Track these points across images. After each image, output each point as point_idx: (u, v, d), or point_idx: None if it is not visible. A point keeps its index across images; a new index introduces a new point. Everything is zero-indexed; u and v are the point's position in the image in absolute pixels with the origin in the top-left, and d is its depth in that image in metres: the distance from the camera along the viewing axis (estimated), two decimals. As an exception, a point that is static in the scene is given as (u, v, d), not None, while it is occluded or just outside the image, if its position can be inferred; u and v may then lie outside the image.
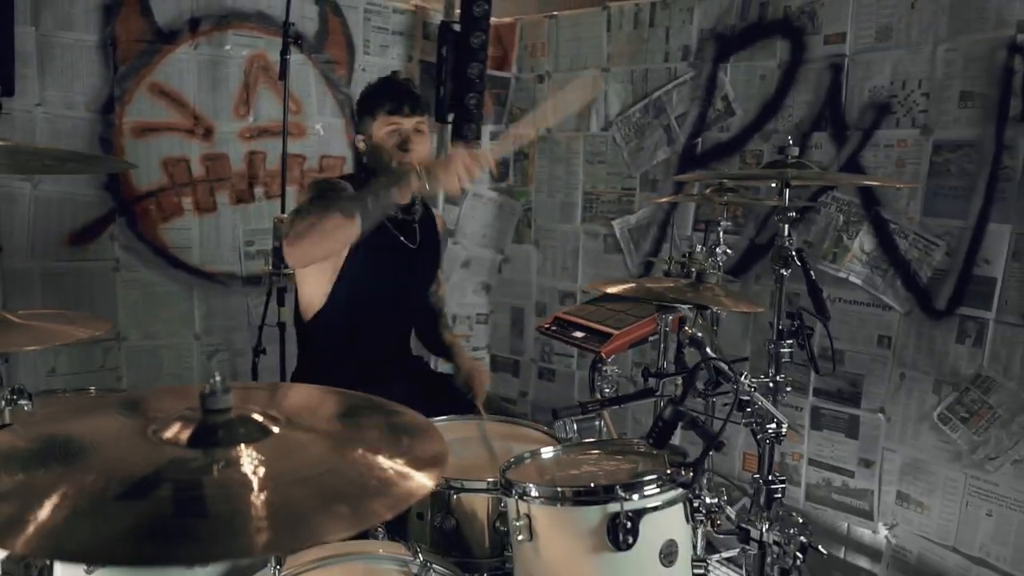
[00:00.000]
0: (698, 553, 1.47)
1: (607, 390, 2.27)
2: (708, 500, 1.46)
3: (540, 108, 1.75)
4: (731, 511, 1.68)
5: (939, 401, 2.53)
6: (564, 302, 3.64)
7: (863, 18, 2.70)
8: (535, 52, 3.71)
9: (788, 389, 1.75)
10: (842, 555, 2.81)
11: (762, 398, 1.51)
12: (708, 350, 1.48)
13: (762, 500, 1.56)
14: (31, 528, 0.77)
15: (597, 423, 2.12)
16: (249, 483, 0.84)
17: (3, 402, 1.25)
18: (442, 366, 3.77)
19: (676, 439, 1.67)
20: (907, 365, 2.61)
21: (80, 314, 1.46)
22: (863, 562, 2.76)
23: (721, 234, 2.26)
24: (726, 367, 1.44)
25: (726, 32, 3.07)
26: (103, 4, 2.90)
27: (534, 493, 1.40)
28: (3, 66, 2.66)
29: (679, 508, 1.39)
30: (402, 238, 2.19)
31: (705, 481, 1.54)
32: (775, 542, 1.43)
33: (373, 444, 0.99)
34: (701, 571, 1.42)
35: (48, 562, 1.06)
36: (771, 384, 1.71)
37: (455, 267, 3.82)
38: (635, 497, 1.34)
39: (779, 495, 1.57)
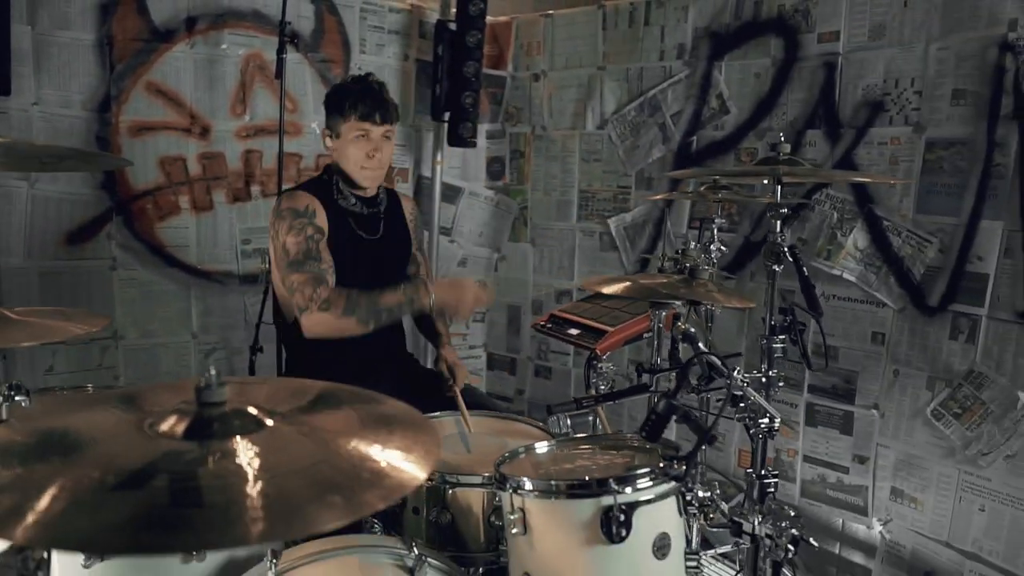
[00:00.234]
0: (692, 547, 1.49)
1: (602, 387, 2.28)
2: (701, 493, 1.47)
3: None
4: (725, 506, 1.69)
5: (932, 397, 2.54)
6: (560, 300, 3.66)
7: (856, 17, 2.71)
8: (531, 51, 3.72)
9: (781, 384, 1.76)
10: (837, 550, 2.83)
11: (755, 393, 1.53)
12: (701, 345, 1.49)
13: (755, 494, 1.58)
14: (30, 519, 0.78)
15: (591, 419, 2.13)
16: (244, 474, 0.85)
17: (1, 398, 1.26)
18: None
19: (672, 434, 1.69)
20: (901, 361, 2.63)
21: (77, 310, 1.47)
22: (857, 557, 2.78)
23: (715, 231, 2.27)
24: (719, 362, 1.45)
25: (720, 30, 3.09)
26: (99, 3, 2.91)
27: (528, 487, 1.41)
28: (0, 65, 2.66)
29: (672, 501, 1.41)
30: (362, 233, 2.27)
31: (698, 475, 1.55)
32: (767, 535, 1.44)
33: (362, 435, 1.00)
34: (694, 564, 1.43)
35: (45, 555, 1.07)
36: (764, 379, 1.73)
37: (452, 265, 3.83)
38: (628, 490, 1.36)
39: (772, 489, 1.58)
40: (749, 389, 1.53)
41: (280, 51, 2.95)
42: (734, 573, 2.42)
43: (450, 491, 1.63)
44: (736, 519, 1.50)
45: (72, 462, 0.90)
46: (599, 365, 2.30)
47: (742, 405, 1.57)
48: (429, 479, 1.58)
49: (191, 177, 3.15)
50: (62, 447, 0.95)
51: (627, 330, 2.45)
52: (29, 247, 2.88)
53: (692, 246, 2.03)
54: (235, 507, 0.80)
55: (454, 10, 3.42)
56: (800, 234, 2.85)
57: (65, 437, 0.97)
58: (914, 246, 2.59)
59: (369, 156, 2.21)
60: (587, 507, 1.36)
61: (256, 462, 0.88)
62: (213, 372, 0.95)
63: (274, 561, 1.33)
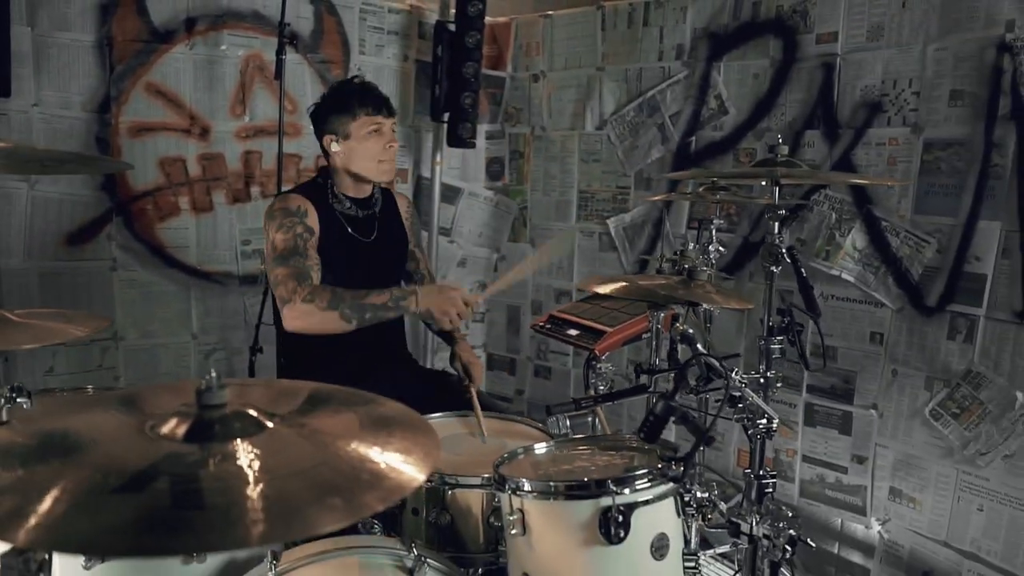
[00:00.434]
0: (691, 547, 1.50)
1: (601, 387, 2.29)
2: (699, 494, 1.48)
3: (526, 260, 2.10)
4: (723, 506, 1.70)
5: (931, 397, 2.55)
6: (560, 300, 3.66)
7: (854, 17, 2.72)
8: (530, 51, 3.72)
9: (779, 384, 1.76)
10: (835, 550, 2.83)
11: (753, 394, 1.53)
12: (699, 346, 1.50)
13: (753, 495, 1.58)
14: (31, 521, 0.79)
15: (590, 419, 2.13)
16: (245, 476, 0.86)
17: (2, 400, 1.27)
18: (437, 363, 3.80)
19: (671, 435, 1.69)
20: (899, 362, 2.64)
21: (78, 312, 1.48)
22: (856, 557, 2.78)
23: (714, 232, 2.28)
24: (717, 363, 1.45)
25: (719, 31, 3.09)
26: (99, 4, 2.92)
27: (527, 488, 1.42)
28: (0, 67, 2.67)
29: (670, 502, 1.41)
30: (357, 235, 2.27)
31: (696, 476, 1.56)
32: (765, 536, 1.45)
33: (362, 437, 1.01)
34: (692, 564, 1.44)
35: (47, 556, 1.08)
36: (762, 380, 1.73)
37: (451, 266, 3.84)
38: (626, 491, 1.36)
39: (770, 490, 1.59)
40: (747, 390, 1.53)
41: (279, 52, 2.95)
42: (732, 573, 2.43)
43: (449, 492, 1.64)
44: (734, 519, 1.50)
45: (73, 464, 0.91)
46: (598, 365, 2.31)
47: (740, 406, 1.57)
48: (428, 480, 1.59)
49: (191, 178, 3.16)
50: (63, 449, 0.95)
51: (626, 331, 2.45)
52: (29, 248, 2.89)
53: (691, 247, 2.04)
54: (236, 509, 0.80)
55: (453, 11, 3.42)
56: (799, 234, 2.86)
57: (66, 439, 0.97)
58: (912, 246, 2.60)
59: (386, 148, 2.24)
60: (586, 508, 1.36)
61: (256, 464, 0.88)
62: (213, 375, 0.96)
63: (274, 562, 1.34)
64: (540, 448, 1.67)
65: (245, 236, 3.28)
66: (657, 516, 1.39)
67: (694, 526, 1.49)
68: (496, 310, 3.95)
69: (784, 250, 1.69)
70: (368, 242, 2.30)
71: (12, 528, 0.79)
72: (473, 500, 1.65)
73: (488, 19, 3.47)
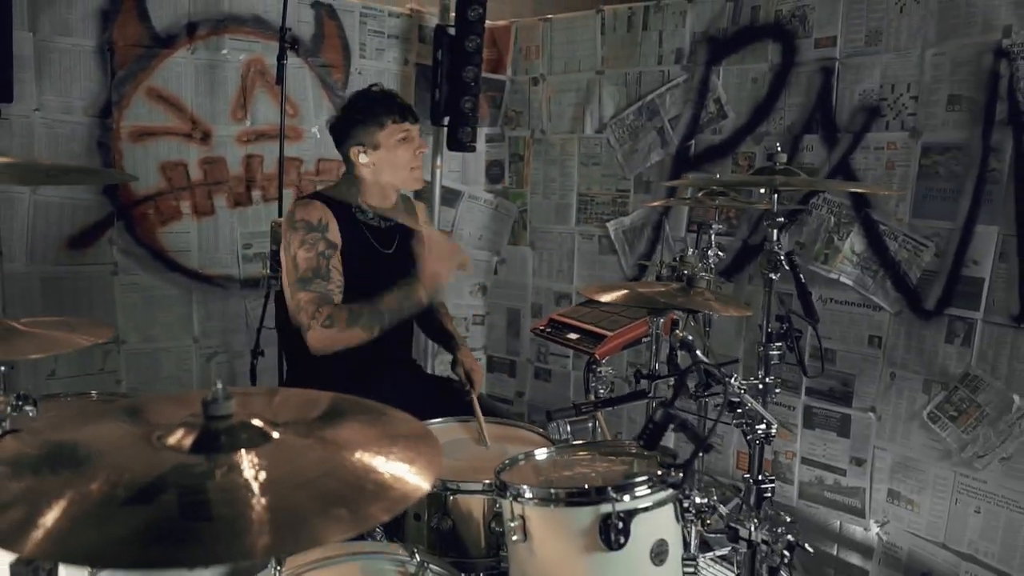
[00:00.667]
0: (692, 551, 1.51)
1: (601, 391, 2.31)
2: (698, 500, 1.49)
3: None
4: (723, 509, 1.72)
5: (929, 400, 2.56)
6: (559, 303, 3.68)
7: (853, 22, 2.73)
8: (530, 55, 3.74)
9: (778, 390, 1.78)
10: (834, 552, 2.85)
11: (752, 400, 1.55)
12: (698, 353, 1.51)
13: (752, 500, 1.60)
14: (39, 532, 0.80)
15: (591, 424, 2.15)
16: (251, 487, 0.87)
17: (8, 408, 1.28)
18: (438, 367, 3.81)
19: (670, 441, 1.71)
20: (897, 365, 2.65)
21: (82, 320, 1.49)
22: (855, 559, 2.80)
23: (713, 237, 2.29)
24: (716, 370, 1.47)
25: (718, 35, 3.11)
26: (101, 9, 2.93)
27: (528, 495, 1.43)
28: (2, 72, 2.67)
29: (669, 508, 1.43)
30: (377, 245, 2.27)
31: (695, 482, 1.57)
32: (763, 541, 1.46)
33: (366, 447, 1.02)
34: (691, 570, 1.45)
35: (53, 566, 1.09)
36: (761, 386, 1.75)
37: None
38: (626, 498, 1.38)
39: (769, 494, 1.60)
40: (746, 396, 1.55)
41: (280, 57, 2.96)
42: (732, 576, 2.44)
43: (451, 497, 1.65)
44: (733, 525, 1.52)
45: (81, 475, 0.92)
46: (598, 369, 2.33)
47: (739, 411, 1.59)
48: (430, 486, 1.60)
49: (192, 182, 3.17)
50: (71, 460, 0.96)
51: (626, 335, 2.47)
52: (31, 252, 2.90)
53: (690, 252, 2.05)
54: (243, 520, 0.81)
55: (453, 15, 3.43)
56: (797, 238, 2.87)
57: (73, 450, 0.98)
58: (910, 250, 2.61)
59: (416, 155, 2.24)
60: (586, 515, 1.38)
61: (263, 475, 0.89)
62: (220, 386, 0.97)
63: (278, 568, 1.35)
64: (541, 454, 1.68)
65: (246, 240, 3.30)
66: (657, 522, 1.41)
67: (693, 531, 1.50)
68: (496, 313, 3.97)
69: (783, 257, 1.70)
70: (389, 253, 2.29)
71: (20, 539, 0.79)
72: (475, 505, 1.67)
73: (488, 23, 3.48)
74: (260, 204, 3.31)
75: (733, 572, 2.31)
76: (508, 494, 1.46)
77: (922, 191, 2.57)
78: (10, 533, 0.80)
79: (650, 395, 1.99)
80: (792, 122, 2.90)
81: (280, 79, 2.99)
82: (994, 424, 2.41)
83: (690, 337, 1.56)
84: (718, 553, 2.28)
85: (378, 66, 3.53)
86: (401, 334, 2.42)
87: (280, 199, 3.10)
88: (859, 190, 2.67)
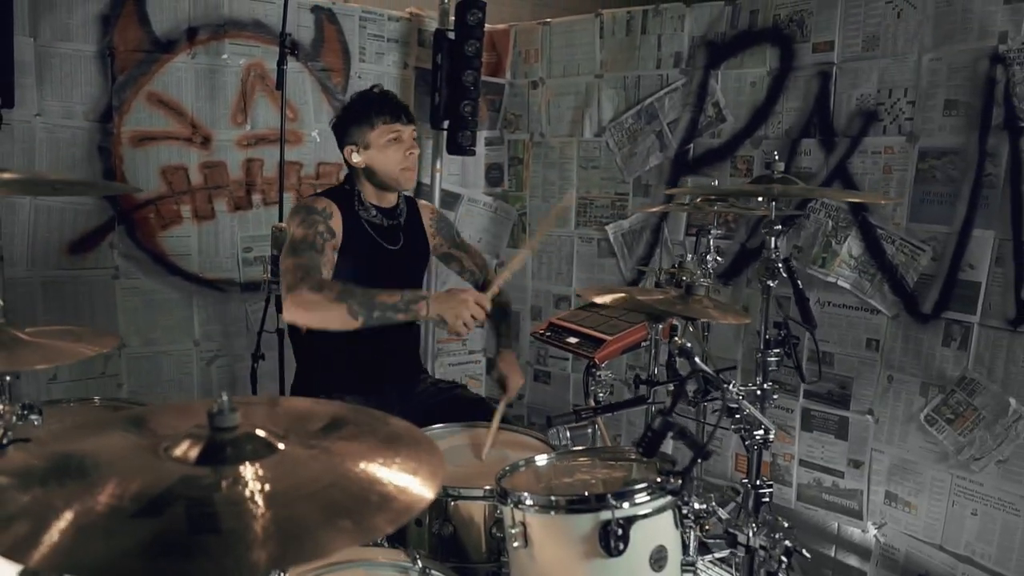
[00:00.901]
0: (691, 556, 1.52)
1: (601, 394, 2.32)
2: (697, 506, 1.51)
3: (529, 242, 2.01)
4: (722, 512, 1.73)
5: (926, 403, 2.58)
6: (559, 306, 3.69)
7: (850, 27, 2.74)
8: (529, 58, 3.75)
9: (776, 396, 1.79)
10: (832, 554, 2.87)
11: (750, 405, 1.56)
12: (697, 360, 1.52)
13: (750, 504, 1.61)
14: (46, 544, 0.80)
15: (590, 429, 2.16)
16: (258, 500, 0.88)
17: (14, 418, 1.29)
18: (438, 369, 3.83)
19: (669, 447, 1.72)
20: (895, 368, 2.67)
21: (86, 329, 1.50)
22: (853, 560, 2.82)
23: (711, 242, 2.31)
24: (714, 377, 1.48)
25: (717, 39, 3.12)
26: (101, 14, 2.93)
27: (528, 502, 1.45)
28: (3, 77, 2.68)
29: (668, 515, 1.44)
30: (383, 242, 2.27)
31: (694, 487, 1.59)
32: (762, 546, 1.48)
33: (370, 458, 1.03)
34: (690, 574, 1.47)
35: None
36: (759, 392, 1.76)
37: (451, 272, 3.85)
38: (626, 505, 1.39)
39: (767, 499, 1.62)
40: (744, 402, 1.56)
41: (281, 62, 2.97)
42: (731, 578, 2.46)
43: (452, 503, 1.67)
44: (731, 530, 1.53)
45: (88, 487, 0.93)
46: (598, 373, 2.35)
47: (737, 417, 1.60)
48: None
49: (193, 186, 3.18)
50: (78, 472, 0.97)
51: (625, 339, 2.48)
52: (32, 257, 2.91)
53: (688, 258, 2.07)
54: (250, 533, 0.82)
55: (453, 18, 3.44)
56: (795, 242, 2.89)
57: (81, 462, 0.99)
58: (907, 254, 2.63)
59: (407, 156, 2.24)
60: (586, 521, 1.39)
61: (268, 487, 0.90)
62: (225, 398, 0.98)
63: (281, 573, 1.36)
64: (541, 460, 1.69)
65: (247, 244, 3.31)
66: (656, 529, 1.42)
67: (692, 536, 1.52)
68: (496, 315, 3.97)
69: (781, 264, 1.71)
70: (394, 251, 2.30)
71: (27, 551, 0.80)
72: (475, 511, 1.68)
73: (487, 26, 3.49)
74: (260, 208, 3.32)
75: (732, 575, 2.33)
76: (509, 501, 1.47)
77: (919, 195, 2.59)
78: (17, 545, 0.81)
79: (649, 401, 2.00)
80: (790, 126, 2.92)
81: (280, 83, 3.00)
82: (990, 427, 2.42)
83: (689, 344, 1.58)
84: (717, 556, 2.30)
85: (378, 70, 3.54)
86: (408, 337, 2.44)
87: (280, 203, 3.11)
88: (856, 199, 2.69)
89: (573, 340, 2.57)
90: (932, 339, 2.57)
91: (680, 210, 3.16)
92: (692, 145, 3.22)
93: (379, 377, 2.27)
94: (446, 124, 3.50)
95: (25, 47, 2.80)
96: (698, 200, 2.28)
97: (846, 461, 2.81)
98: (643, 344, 2.51)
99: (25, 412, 1.32)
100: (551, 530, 1.44)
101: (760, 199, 1.87)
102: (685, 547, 1.50)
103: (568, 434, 1.86)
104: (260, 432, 1.01)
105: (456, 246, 2.54)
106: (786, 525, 1.53)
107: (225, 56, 3.18)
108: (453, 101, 3.43)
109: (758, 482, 1.61)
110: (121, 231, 3.06)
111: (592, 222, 3.58)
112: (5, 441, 1.30)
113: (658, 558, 1.41)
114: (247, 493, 0.89)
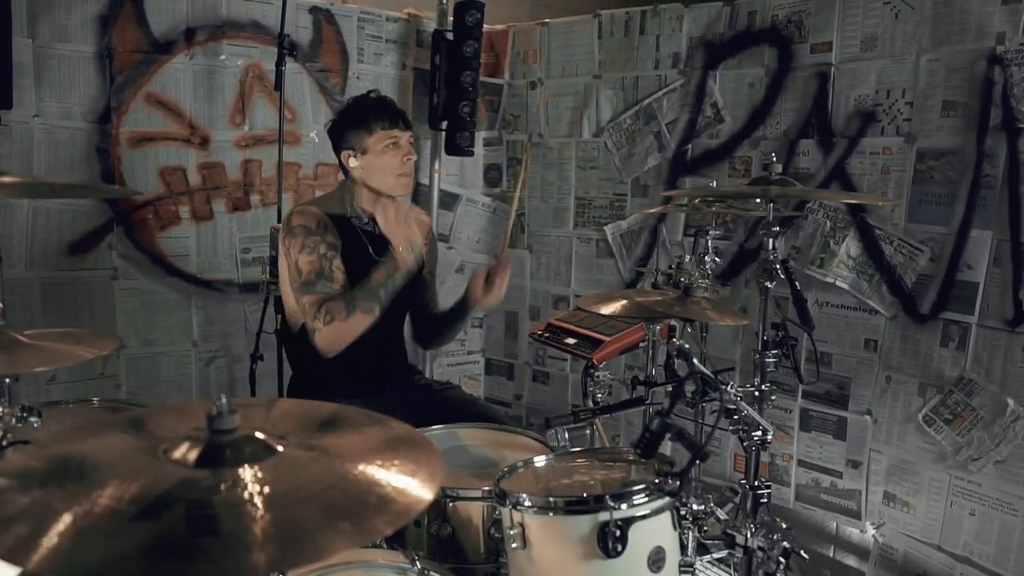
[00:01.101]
0: (690, 557, 1.53)
1: (599, 395, 2.33)
2: (695, 507, 1.51)
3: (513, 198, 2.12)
4: (721, 513, 1.73)
5: (924, 403, 2.59)
6: (557, 306, 3.69)
7: (848, 28, 2.75)
8: (527, 59, 3.75)
9: (774, 397, 1.80)
10: (831, 554, 2.87)
11: (748, 407, 1.56)
12: (695, 361, 1.53)
13: (748, 505, 1.62)
14: (45, 547, 0.80)
15: (588, 430, 2.16)
16: (257, 502, 0.88)
17: (13, 420, 1.30)
18: (437, 370, 3.83)
19: (667, 448, 1.72)
20: (893, 368, 2.67)
21: (86, 331, 1.50)
22: (851, 561, 2.82)
23: (709, 242, 2.31)
24: (712, 378, 1.49)
25: (715, 40, 3.12)
26: (99, 15, 2.93)
27: (527, 503, 1.45)
28: (1, 78, 2.68)
29: (667, 516, 1.45)
30: (373, 252, 2.26)
31: (692, 488, 1.59)
32: (759, 547, 1.48)
33: (369, 459, 1.03)
34: (688, 575, 1.47)
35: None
36: (757, 393, 1.76)
37: (449, 272, 3.86)
38: (624, 506, 1.40)
39: (765, 500, 1.62)
40: (742, 403, 1.57)
41: (279, 63, 2.97)
42: (729, 578, 2.46)
43: (451, 504, 1.67)
44: (729, 531, 1.54)
45: (87, 489, 0.93)
46: (596, 374, 2.35)
47: (736, 418, 1.61)
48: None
49: (191, 187, 3.18)
50: (78, 474, 0.97)
51: (623, 340, 2.49)
52: (31, 258, 2.90)
53: (687, 259, 2.07)
54: (250, 535, 0.82)
55: (451, 19, 3.44)
56: (793, 242, 2.89)
57: (81, 464, 0.99)
58: (906, 255, 2.63)
59: (404, 162, 2.25)
60: (584, 523, 1.39)
61: (267, 489, 0.91)
62: (224, 400, 0.98)
63: (280, 575, 1.37)
64: (539, 461, 1.70)
65: (245, 244, 3.31)
66: (654, 530, 1.43)
67: (691, 537, 1.52)
68: (494, 316, 3.98)
69: (779, 265, 1.71)
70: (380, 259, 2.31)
71: (26, 553, 0.80)
72: (474, 512, 1.68)
73: (485, 27, 3.49)
74: (259, 209, 3.32)
75: (730, 575, 2.33)
76: (507, 502, 1.48)
77: (917, 196, 2.60)
78: (16, 547, 0.81)
79: (647, 402, 2.00)
80: (788, 127, 2.92)
81: (278, 84, 3.00)
82: (988, 427, 2.43)
83: (687, 345, 1.58)
84: (715, 556, 2.30)
85: (376, 71, 3.54)
86: (398, 338, 2.44)
87: (279, 204, 3.11)
88: (854, 200, 2.69)
89: (571, 341, 2.57)
90: (930, 339, 2.57)
91: (678, 211, 3.16)
92: (690, 146, 3.22)
93: (373, 378, 2.27)
94: (444, 125, 3.50)
95: (23, 48, 2.79)
96: (696, 201, 2.28)
97: (844, 461, 2.81)
98: (641, 345, 2.52)
99: (24, 414, 1.32)
100: (549, 531, 1.44)
101: (758, 200, 1.87)
102: (683, 548, 1.50)
103: (566, 435, 1.86)
104: (259, 434, 1.01)
105: (430, 273, 2.53)
106: (784, 525, 1.53)
107: (223, 57, 3.18)
108: (451, 102, 3.43)
109: (756, 483, 1.62)
110: (120, 232, 3.06)
111: (590, 223, 3.59)
112: (4, 443, 1.30)
113: (656, 559, 1.42)
114: (246, 495, 0.90)
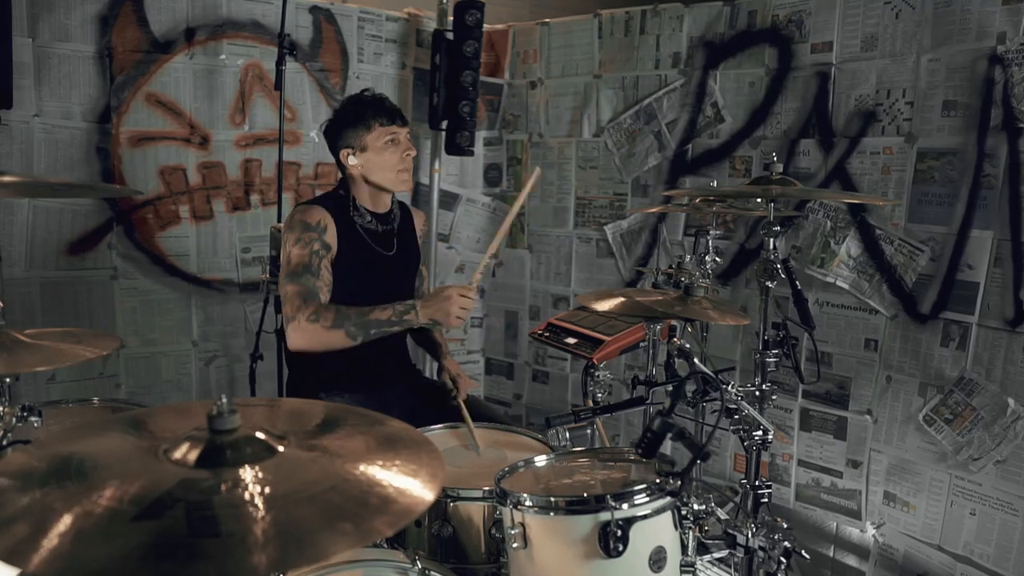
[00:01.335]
0: (690, 556, 1.53)
1: (599, 395, 2.33)
2: (696, 507, 1.51)
3: (506, 219, 2.08)
4: (721, 513, 1.73)
5: (924, 403, 2.59)
6: (557, 306, 3.69)
7: (849, 27, 2.75)
8: (527, 59, 3.75)
9: (774, 397, 1.80)
10: (831, 554, 2.87)
11: (748, 406, 1.56)
12: (696, 361, 1.53)
13: (749, 505, 1.62)
14: (45, 548, 0.80)
15: (589, 430, 2.16)
16: (257, 502, 0.88)
17: (14, 420, 1.29)
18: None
19: (668, 448, 1.72)
20: (893, 368, 2.67)
21: (87, 331, 1.50)
22: (851, 560, 2.82)
23: (710, 242, 2.31)
24: (713, 378, 1.49)
25: (715, 40, 3.12)
26: (100, 15, 2.93)
27: (528, 503, 1.45)
28: (1, 78, 2.68)
29: (667, 516, 1.44)
30: (377, 248, 2.28)
31: (693, 488, 1.59)
32: (760, 547, 1.48)
33: (369, 460, 1.03)
34: (689, 574, 1.47)
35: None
36: (757, 393, 1.76)
37: (449, 272, 3.86)
38: (625, 506, 1.39)
39: (765, 500, 1.62)
40: (743, 403, 1.56)
41: (279, 62, 2.97)
42: (730, 578, 2.46)
43: (451, 504, 1.67)
44: (730, 531, 1.53)
45: (88, 489, 0.93)
46: (596, 373, 2.35)
47: (736, 417, 1.61)
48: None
49: (191, 187, 3.18)
50: (78, 474, 0.97)
51: (623, 339, 2.49)
52: (31, 257, 2.91)
53: (687, 259, 2.07)
54: (251, 536, 0.82)
55: (451, 19, 3.44)
56: (794, 242, 2.89)
57: (81, 464, 0.99)
58: (906, 254, 2.63)
59: (404, 158, 2.25)
60: (585, 523, 1.39)
61: (268, 490, 0.91)
62: (224, 400, 0.98)
63: (280, 575, 1.36)
64: (540, 461, 1.69)
65: (245, 244, 3.31)
66: (655, 530, 1.42)
67: (691, 537, 1.52)
68: (494, 315, 3.98)
69: (779, 264, 1.71)
70: (388, 256, 2.30)
71: (25, 554, 0.80)
72: (475, 512, 1.68)
73: (485, 27, 3.49)
74: (259, 208, 3.32)
75: (731, 575, 2.33)
76: (508, 502, 1.47)
77: (917, 196, 2.59)
78: (16, 548, 0.81)
79: (648, 401, 2.00)
80: (789, 126, 2.92)
81: (279, 84, 3.00)
82: (989, 427, 2.43)
83: (687, 345, 1.58)
84: (716, 556, 2.30)
85: (376, 70, 3.54)
86: (398, 338, 2.44)
87: (279, 203, 3.11)
88: (854, 200, 2.69)
89: (571, 340, 2.57)
90: (931, 339, 2.57)
91: (678, 210, 3.16)
92: (690, 145, 3.22)
93: (372, 378, 2.27)
94: (444, 124, 3.50)
95: (23, 48, 2.79)
96: (696, 200, 2.28)
97: (845, 461, 2.81)
98: (641, 344, 2.52)
99: (25, 414, 1.32)
100: (550, 531, 1.44)
101: (759, 200, 1.87)
102: (684, 548, 1.50)
103: (567, 435, 1.86)
104: (260, 434, 1.01)
105: (424, 264, 2.57)
106: (785, 525, 1.53)
107: (223, 56, 3.18)
108: (451, 101, 3.43)
109: (757, 482, 1.62)
110: (119, 232, 3.06)
111: (591, 222, 3.59)
112: (5, 443, 1.30)
113: (657, 559, 1.41)
114: (247, 496, 0.90)
